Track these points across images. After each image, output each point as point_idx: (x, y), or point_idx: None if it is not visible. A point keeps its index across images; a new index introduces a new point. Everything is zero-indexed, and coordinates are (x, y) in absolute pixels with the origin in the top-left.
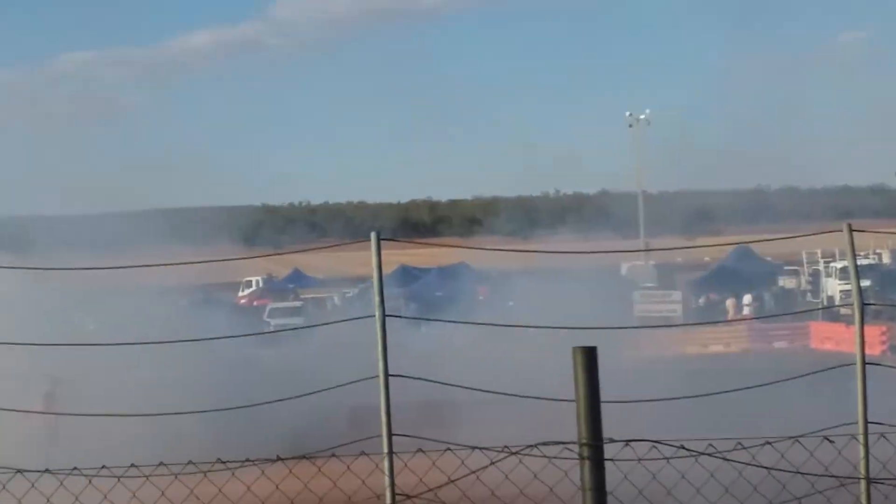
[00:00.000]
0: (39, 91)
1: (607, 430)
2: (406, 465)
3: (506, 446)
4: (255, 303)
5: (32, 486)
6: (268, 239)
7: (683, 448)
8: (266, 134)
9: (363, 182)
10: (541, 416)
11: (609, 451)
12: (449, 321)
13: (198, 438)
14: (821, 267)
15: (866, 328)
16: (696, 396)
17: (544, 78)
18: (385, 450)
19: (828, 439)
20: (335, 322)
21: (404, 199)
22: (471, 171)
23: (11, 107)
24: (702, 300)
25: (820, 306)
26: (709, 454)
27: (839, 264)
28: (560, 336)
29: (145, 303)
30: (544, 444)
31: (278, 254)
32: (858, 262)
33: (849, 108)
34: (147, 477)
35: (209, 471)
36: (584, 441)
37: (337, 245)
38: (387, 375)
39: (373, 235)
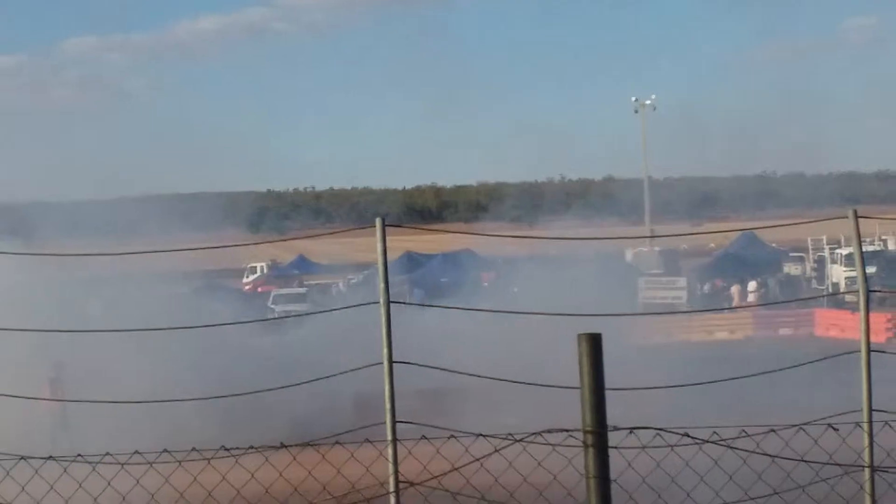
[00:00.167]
0: (44, 76)
1: (611, 418)
2: (410, 452)
3: (510, 434)
4: (259, 289)
5: (36, 472)
6: (272, 225)
7: (688, 436)
8: (271, 119)
9: (368, 168)
10: (545, 403)
11: (613, 438)
12: (453, 308)
13: (201, 425)
14: (826, 253)
15: (871, 315)
16: (701, 384)
17: (550, 64)
18: (389, 437)
19: (832, 427)
20: (340, 308)
21: (409, 185)
22: (476, 157)
23: (16, 91)
24: (707, 287)
25: (825, 293)
26: (713, 442)
27: (844, 251)
28: (564, 323)
29: (149, 289)
30: (548, 431)
31: (283, 240)
32: (864, 249)
33: (855, 94)
34: (151, 464)
35: (213, 458)
36: (589, 428)
37: (342, 231)
38: (391, 362)
39: (378, 221)
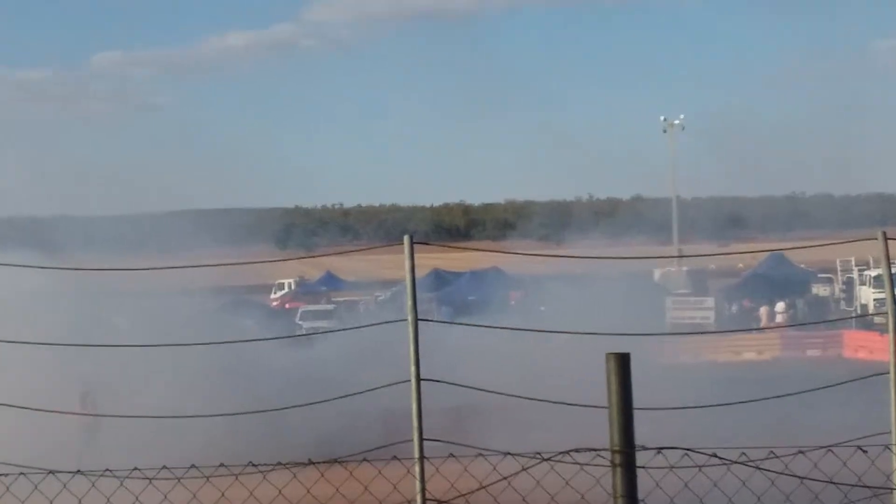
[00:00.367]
0: (73, 91)
1: (639, 437)
2: (437, 470)
3: (538, 452)
4: (287, 305)
5: (64, 486)
6: (300, 241)
7: (716, 456)
8: (299, 136)
9: (396, 185)
10: (573, 422)
11: (641, 458)
12: (481, 326)
13: (229, 441)
14: (855, 275)
15: None
16: (729, 404)
17: (579, 82)
18: (416, 455)
19: (861, 449)
20: (367, 326)
21: (437, 203)
22: (504, 175)
23: (44, 105)
24: (735, 307)
25: (853, 314)
26: (741, 463)
27: (873, 272)
28: (592, 342)
29: (178, 304)
30: (576, 450)
31: (311, 256)
32: (893, 271)
33: (885, 115)
34: (179, 479)
35: (241, 473)
36: (617, 448)
37: (369, 248)
38: (418, 380)
39: (406, 239)
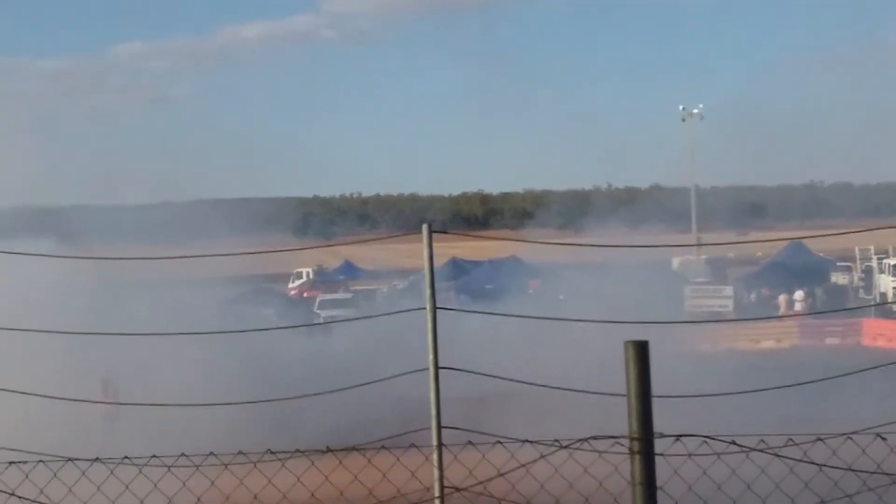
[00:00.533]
0: (90, 81)
1: (658, 425)
2: (456, 457)
3: (556, 440)
4: (305, 294)
5: (83, 474)
6: (318, 230)
7: (734, 444)
8: (318, 125)
9: (415, 174)
10: (591, 410)
11: (660, 445)
12: (499, 314)
13: (247, 429)
14: (874, 263)
15: None
16: (748, 392)
17: (598, 72)
18: (434, 442)
19: (880, 436)
20: (385, 314)
21: (456, 192)
22: (522, 164)
23: (63, 95)
24: (753, 295)
25: (872, 303)
26: (760, 450)
27: (892, 261)
28: (611, 330)
29: (196, 293)
30: (595, 438)
31: (329, 245)
32: None
33: None
34: (197, 467)
35: (259, 461)
36: (635, 435)
37: (388, 237)
38: (437, 368)
39: (424, 227)
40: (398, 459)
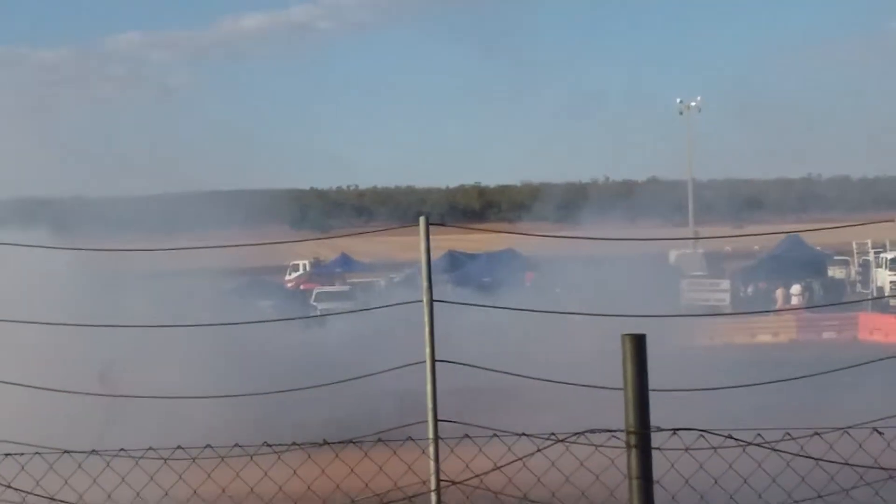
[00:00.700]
0: (88, 72)
1: (655, 419)
2: (452, 450)
3: (553, 433)
4: (302, 286)
5: (79, 466)
6: (315, 223)
7: (731, 438)
8: (314, 117)
9: (411, 166)
10: (588, 404)
11: (656, 439)
12: (496, 307)
13: (243, 422)
14: (871, 257)
15: None
16: (744, 386)
17: (595, 64)
18: (431, 435)
19: (877, 431)
20: (382, 307)
21: (453, 184)
22: (519, 157)
23: (59, 86)
24: (750, 289)
25: (869, 297)
26: (757, 444)
27: (889, 255)
28: (607, 323)
29: (192, 285)
30: (591, 431)
31: (326, 238)
32: None
33: None
34: (194, 459)
35: (255, 454)
36: (632, 429)
37: (385, 229)
38: (433, 361)
39: (421, 220)
40: (395, 452)
